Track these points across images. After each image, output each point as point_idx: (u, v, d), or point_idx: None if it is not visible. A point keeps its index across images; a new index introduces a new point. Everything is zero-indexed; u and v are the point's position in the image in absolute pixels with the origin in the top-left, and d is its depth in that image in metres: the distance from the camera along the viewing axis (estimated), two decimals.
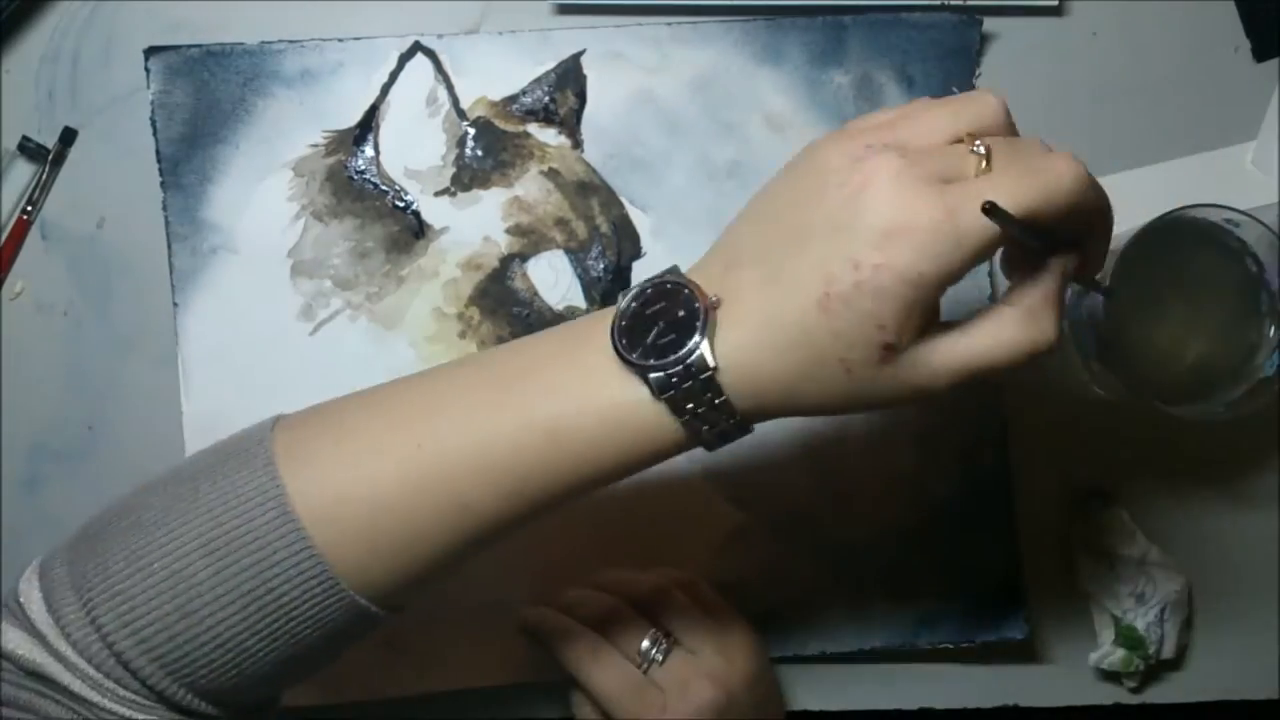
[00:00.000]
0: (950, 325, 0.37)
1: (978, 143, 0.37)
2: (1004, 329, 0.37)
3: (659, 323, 0.37)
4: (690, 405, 0.37)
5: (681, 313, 0.37)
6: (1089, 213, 0.38)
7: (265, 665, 0.37)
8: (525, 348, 0.40)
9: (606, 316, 0.38)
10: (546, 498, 0.38)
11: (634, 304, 0.38)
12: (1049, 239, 0.37)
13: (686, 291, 0.37)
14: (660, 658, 0.48)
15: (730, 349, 0.36)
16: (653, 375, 0.36)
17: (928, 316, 0.36)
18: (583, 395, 0.37)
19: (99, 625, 0.36)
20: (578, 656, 0.48)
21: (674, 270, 0.38)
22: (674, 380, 0.36)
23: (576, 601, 0.50)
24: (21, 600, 0.37)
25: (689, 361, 0.36)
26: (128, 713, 0.36)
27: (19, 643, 0.36)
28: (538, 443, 0.37)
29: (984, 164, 0.36)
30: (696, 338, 0.36)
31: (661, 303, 0.37)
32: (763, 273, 0.37)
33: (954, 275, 0.35)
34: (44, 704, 0.36)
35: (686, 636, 0.49)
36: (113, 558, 0.37)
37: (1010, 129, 0.39)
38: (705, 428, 0.38)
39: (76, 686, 0.36)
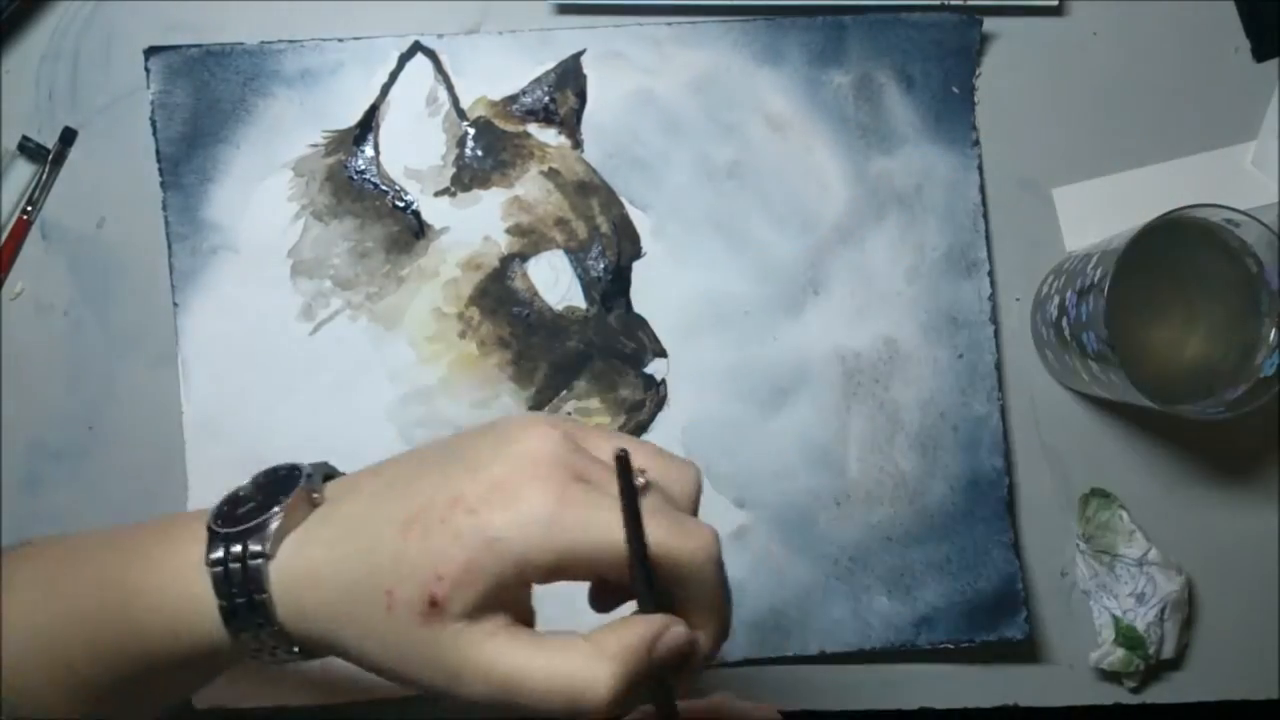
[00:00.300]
0: (521, 635, 0.33)
1: (644, 473, 0.34)
2: (564, 658, 0.32)
3: (255, 501, 0.35)
4: (235, 592, 0.34)
5: (279, 494, 0.35)
6: (706, 594, 0.35)
7: None
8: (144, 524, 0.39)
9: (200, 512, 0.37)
10: (130, 673, 0.36)
11: (249, 483, 0.36)
12: (650, 583, 0.33)
13: (294, 473, 0.36)
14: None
15: (299, 545, 0.34)
16: (216, 538, 0.34)
17: (493, 599, 0.32)
18: (157, 558, 0.36)
19: None
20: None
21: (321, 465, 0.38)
22: (230, 552, 0.34)
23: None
24: None
25: (251, 536, 0.34)
26: None
27: None
28: (112, 606, 0.35)
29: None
30: (270, 515, 0.34)
31: (272, 487, 0.36)
32: (381, 483, 0.36)
33: (538, 568, 0.32)
34: None
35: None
36: None
37: (689, 503, 0.37)
38: (244, 626, 0.34)
39: None
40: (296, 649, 0.35)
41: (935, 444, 0.55)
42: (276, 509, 0.34)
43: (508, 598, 0.33)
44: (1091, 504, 0.56)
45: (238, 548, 0.34)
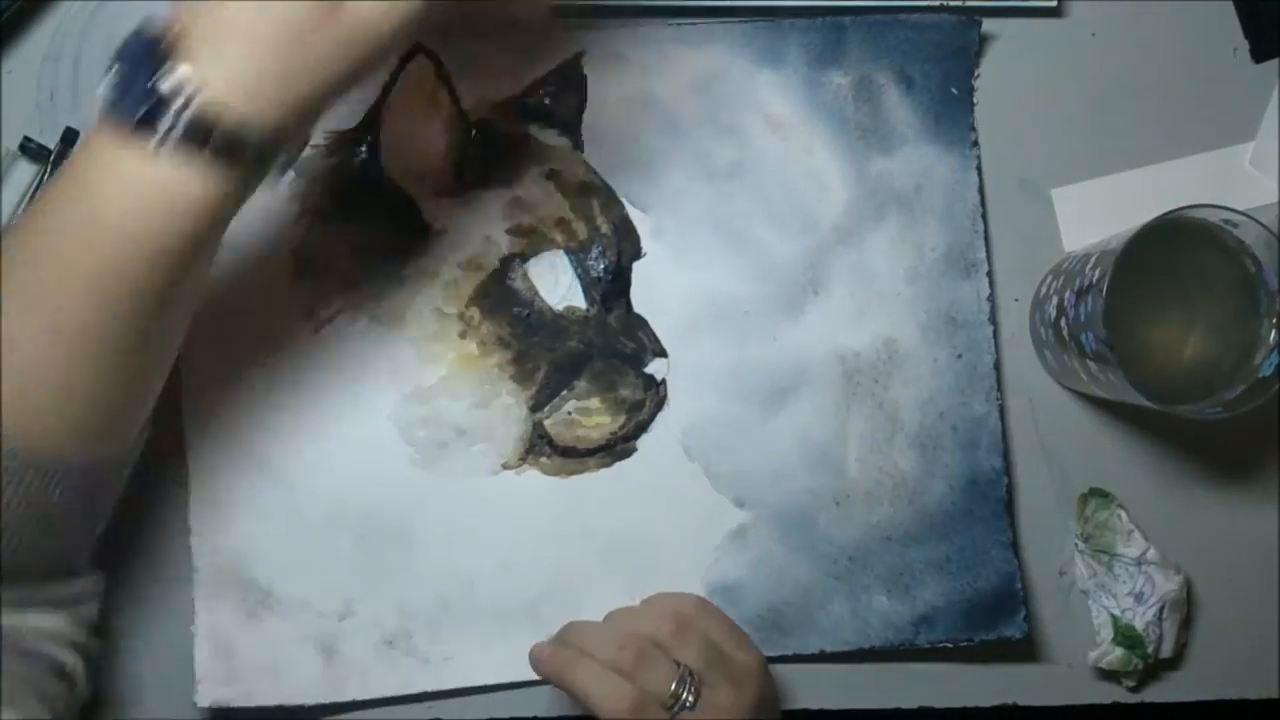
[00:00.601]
0: None
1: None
2: None
3: (137, 77, 0.36)
4: (200, 142, 0.36)
5: (143, 53, 0.37)
6: None
7: None
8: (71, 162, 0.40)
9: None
10: (134, 300, 0.39)
11: (117, 68, 0.37)
12: None
13: (148, 32, 0.37)
14: (690, 699, 0.46)
15: (205, 60, 0.36)
16: (146, 134, 0.36)
17: None
18: (107, 188, 0.37)
19: None
20: (617, 713, 0.45)
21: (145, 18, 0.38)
22: (169, 124, 0.36)
23: (593, 639, 0.48)
24: None
25: (167, 94, 0.36)
26: None
27: None
28: (87, 237, 0.38)
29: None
30: (164, 68, 0.36)
31: (126, 61, 0.37)
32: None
33: None
34: None
35: (706, 673, 0.47)
36: None
37: None
38: (226, 160, 0.37)
39: None
40: (269, 145, 0.38)
41: (934, 444, 0.55)
42: (168, 68, 0.36)
43: None
44: (1090, 503, 0.56)
45: (168, 117, 0.36)
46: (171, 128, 0.36)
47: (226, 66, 0.36)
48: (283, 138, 0.38)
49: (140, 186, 0.37)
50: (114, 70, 0.37)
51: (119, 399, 0.42)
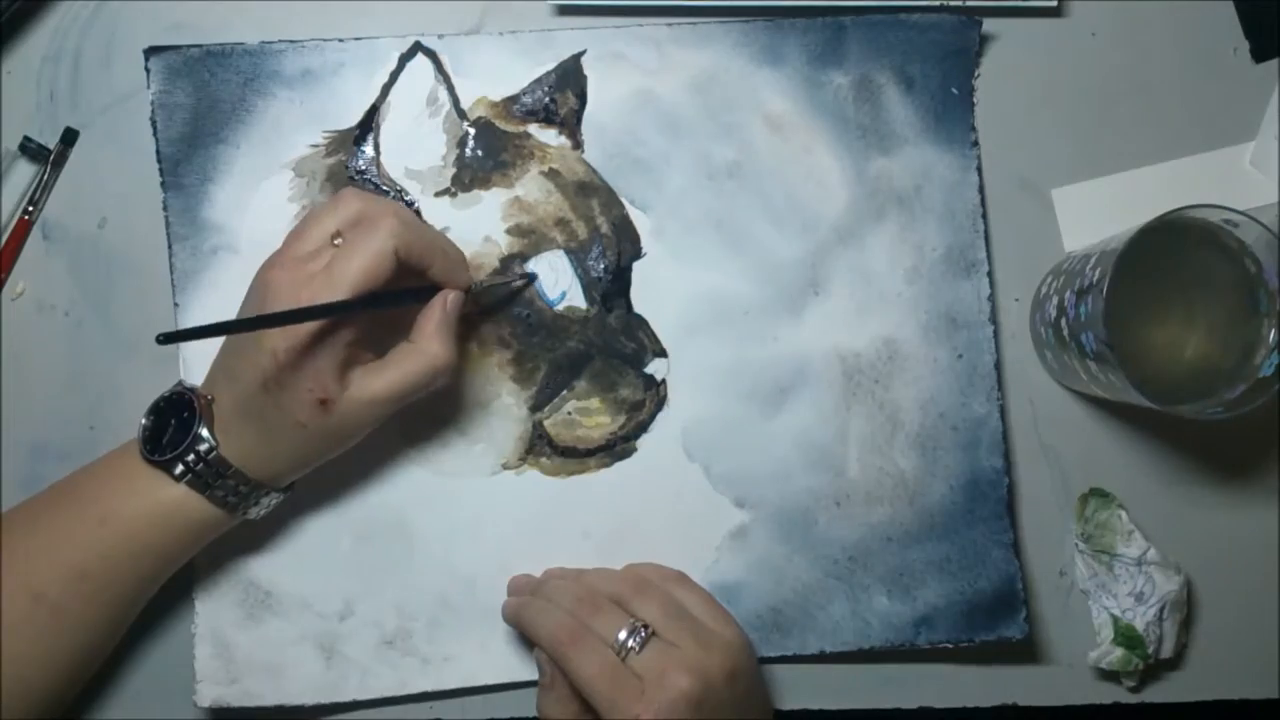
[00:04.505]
0: (371, 367, 0.49)
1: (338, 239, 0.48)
2: (406, 360, 0.49)
3: (170, 425, 0.48)
4: (212, 482, 0.48)
5: (185, 413, 0.48)
6: (437, 262, 0.49)
7: None
8: (92, 466, 0.51)
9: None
10: (116, 587, 0.49)
11: (151, 418, 0.49)
12: (400, 298, 0.49)
13: (187, 396, 0.49)
14: (637, 647, 0.48)
15: (226, 429, 0.48)
16: (173, 466, 0.48)
17: (344, 367, 0.48)
18: (126, 492, 0.48)
19: None
20: (558, 641, 0.48)
21: (180, 383, 0.51)
22: (191, 464, 0.48)
23: (557, 591, 0.51)
24: None
25: (197, 448, 0.48)
26: None
27: None
28: (95, 530, 0.48)
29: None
30: (196, 428, 0.48)
31: (171, 411, 0.49)
32: (225, 372, 0.49)
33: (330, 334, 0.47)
34: None
35: (667, 629, 0.49)
36: None
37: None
38: (232, 498, 0.49)
39: None
40: (266, 493, 0.50)
41: (935, 444, 0.55)
42: (196, 426, 0.48)
43: (348, 353, 0.47)
44: (1090, 504, 0.56)
45: (191, 458, 0.48)
46: (191, 468, 0.48)
47: (238, 439, 0.48)
48: (275, 485, 0.50)
49: (155, 502, 0.48)
50: (155, 411, 0.49)
51: (76, 673, 0.50)
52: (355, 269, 0.46)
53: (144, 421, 0.49)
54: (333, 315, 0.46)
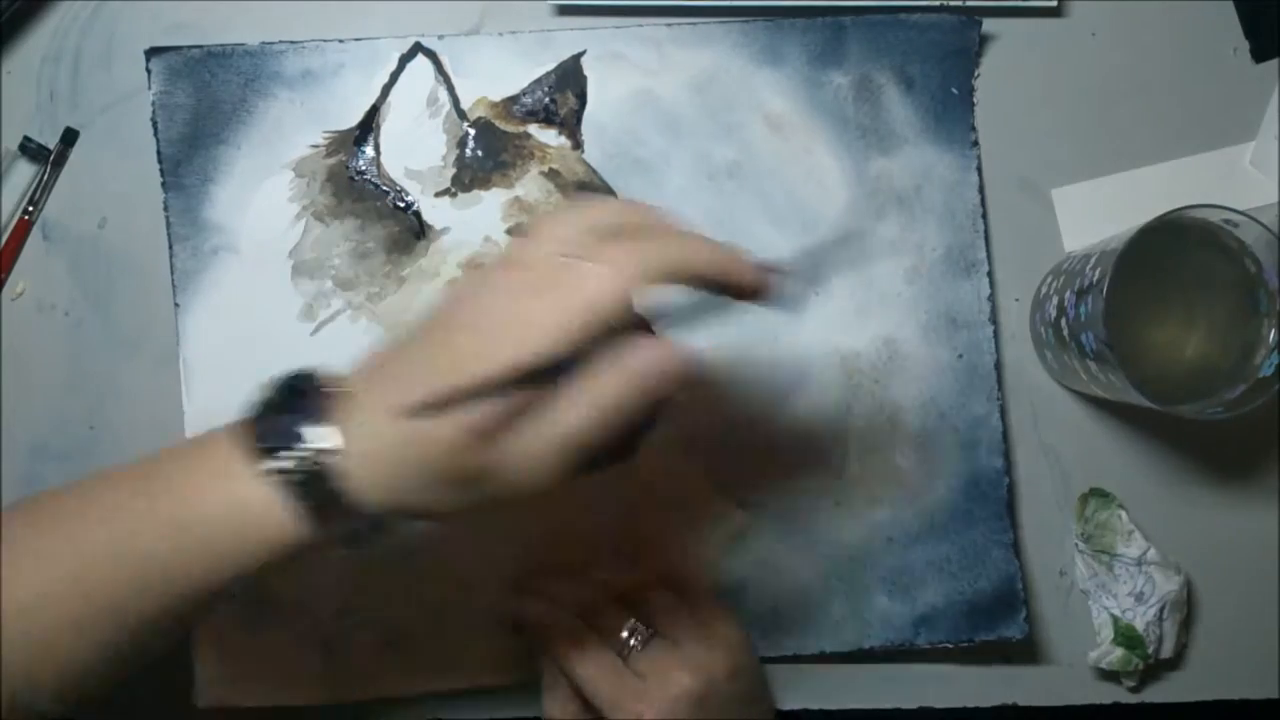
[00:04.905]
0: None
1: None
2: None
3: (289, 414, 0.37)
4: (311, 494, 0.37)
5: (310, 402, 0.38)
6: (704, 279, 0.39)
7: None
8: (168, 448, 0.41)
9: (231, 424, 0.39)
10: (186, 595, 0.39)
11: (268, 394, 0.39)
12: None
13: (317, 382, 0.38)
14: (639, 645, 0.48)
15: (359, 435, 0.37)
16: (273, 460, 0.37)
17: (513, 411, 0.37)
18: (205, 485, 0.38)
19: None
20: (560, 643, 0.48)
21: (308, 370, 0.39)
22: (295, 465, 0.37)
23: (558, 593, 0.51)
24: None
25: (311, 445, 0.37)
26: None
27: None
28: (166, 536, 0.38)
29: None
30: (320, 424, 0.37)
31: (295, 395, 0.38)
32: (386, 372, 0.38)
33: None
34: None
35: (668, 629, 0.49)
36: None
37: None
38: (330, 523, 0.38)
39: None
40: (371, 525, 0.38)
41: (935, 444, 0.55)
42: (319, 416, 0.37)
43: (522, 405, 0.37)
44: (1090, 504, 0.56)
45: (303, 454, 0.37)
46: (290, 469, 0.37)
47: (372, 463, 0.37)
48: (375, 526, 0.39)
49: (237, 502, 0.37)
50: (271, 388, 0.39)
51: (109, 677, 0.41)
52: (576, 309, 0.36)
53: (255, 397, 0.39)
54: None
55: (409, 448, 0.36)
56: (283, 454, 0.37)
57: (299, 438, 0.37)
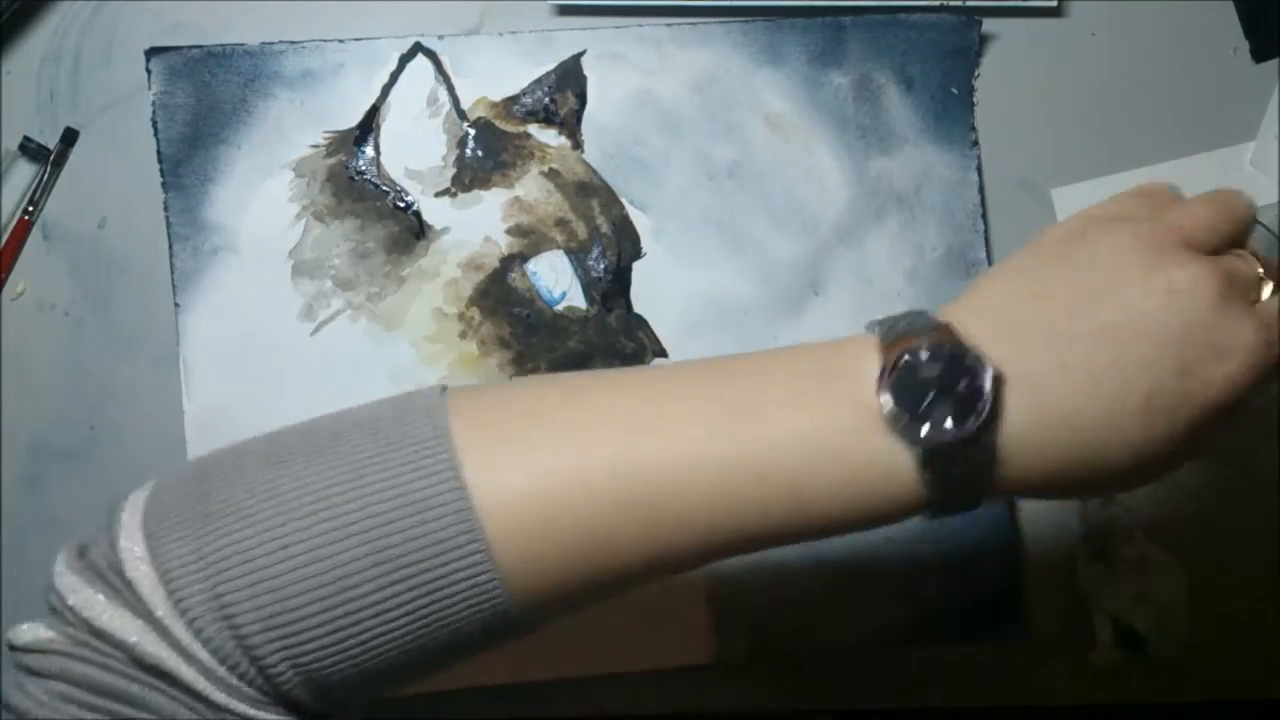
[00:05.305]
0: None
1: (1249, 255, 0.37)
2: None
3: (934, 390, 0.32)
4: (951, 490, 0.33)
5: (963, 386, 0.33)
6: None
7: (399, 669, 0.34)
8: (759, 367, 0.35)
9: (860, 353, 0.34)
10: (745, 541, 0.35)
11: (907, 357, 0.33)
12: None
13: (971, 363, 0.33)
14: None
15: (1016, 441, 0.33)
16: (929, 454, 0.32)
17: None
18: (828, 448, 0.33)
19: (230, 616, 0.31)
20: None
21: (935, 324, 0.34)
22: (947, 465, 0.33)
23: None
24: (128, 575, 0.32)
25: (972, 452, 0.33)
26: (252, 712, 0.32)
27: (131, 630, 0.31)
28: (756, 484, 0.33)
29: (1265, 281, 0.36)
30: (984, 422, 0.32)
31: (939, 365, 0.33)
32: (1060, 359, 0.33)
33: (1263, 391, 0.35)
34: (161, 701, 0.31)
35: None
36: (246, 533, 0.31)
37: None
38: (950, 505, 0.34)
39: (200, 685, 0.31)
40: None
41: None
42: (983, 419, 0.32)
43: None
44: (1091, 504, 0.56)
45: (957, 468, 0.33)
46: (948, 473, 0.33)
47: (1021, 447, 0.33)
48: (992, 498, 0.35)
49: (869, 480, 0.33)
50: (933, 398, 0.32)
51: (606, 591, 0.35)
52: None
53: (891, 358, 0.33)
54: None
55: (1086, 451, 0.34)
56: (939, 450, 0.32)
57: (958, 434, 0.32)
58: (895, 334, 0.34)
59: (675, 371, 0.36)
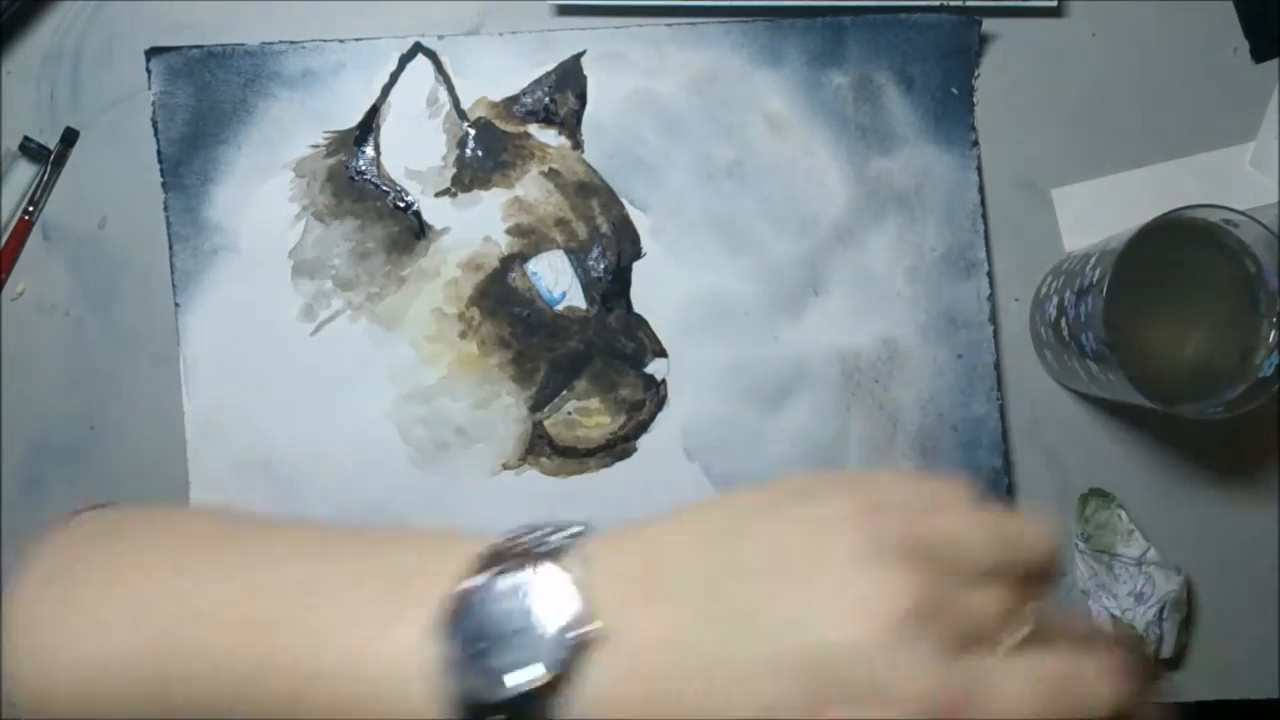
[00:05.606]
0: None
1: (1024, 612, 0.28)
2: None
3: (507, 631, 0.28)
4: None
5: (540, 634, 0.27)
6: None
7: None
8: (353, 554, 0.32)
9: (450, 566, 0.29)
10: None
11: (481, 591, 0.28)
12: None
13: (556, 610, 0.28)
14: None
15: (593, 704, 0.27)
16: (470, 706, 0.27)
17: None
18: (363, 673, 0.29)
19: None
20: None
21: (551, 552, 0.29)
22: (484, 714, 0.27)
23: None
24: None
25: (528, 710, 0.27)
26: None
27: None
28: (284, 692, 0.30)
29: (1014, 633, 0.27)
30: (543, 669, 0.27)
31: (518, 604, 0.28)
32: (681, 637, 0.27)
33: None
34: None
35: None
36: None
37: (1050, 579, 0.29)
38: None
39: None
40: None
41: (935, 444, 0.55)
42: (544, 667, 0.27)
43: None
44: (1090, 504, 0.56)
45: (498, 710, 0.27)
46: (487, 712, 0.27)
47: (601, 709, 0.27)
48: None
49: (397, 680, 0.28)
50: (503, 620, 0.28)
51: None
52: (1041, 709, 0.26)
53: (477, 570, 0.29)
54: None
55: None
56: (472, 675, 0.27)
57: (506, 671, 0.27)
58: (499, 555, 0.29)
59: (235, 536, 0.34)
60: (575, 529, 0.30)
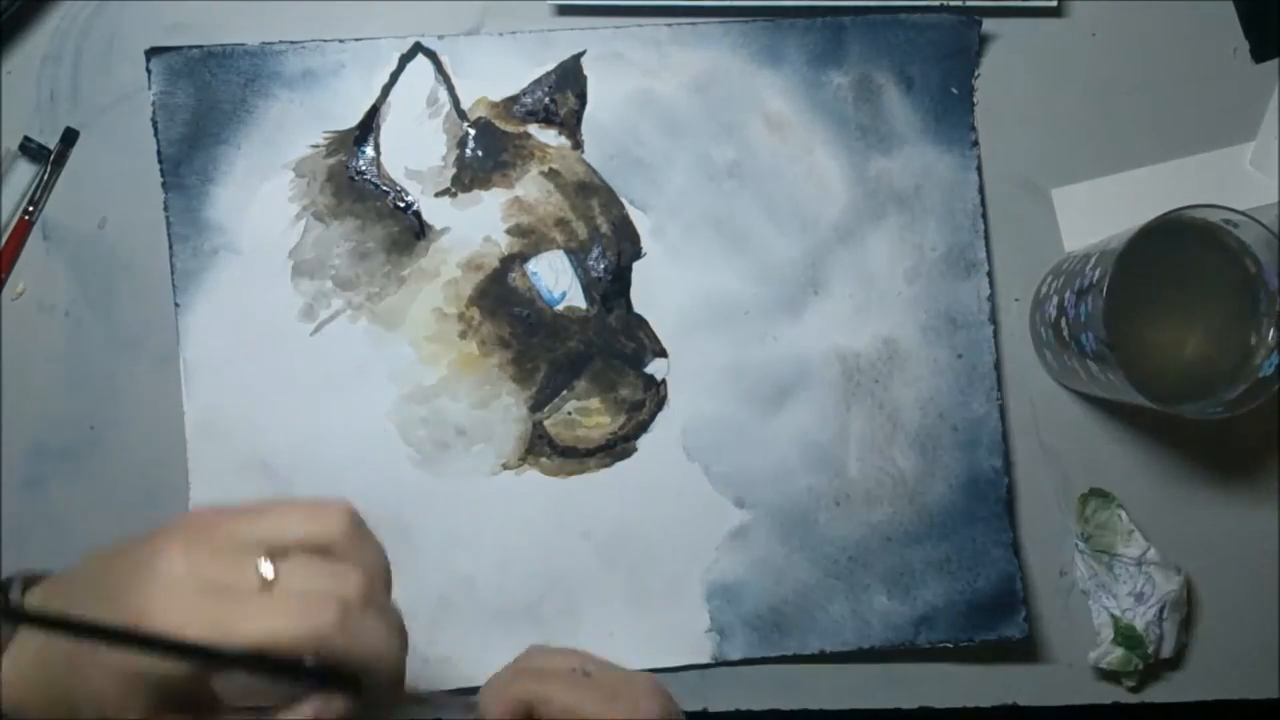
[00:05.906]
0: None
1: (265, 562, 0.35)
2: None
3: None
4: None
5: None
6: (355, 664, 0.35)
7: None
8: None
9: None
10: None
11: None
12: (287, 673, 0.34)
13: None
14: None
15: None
16: None
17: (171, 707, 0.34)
18: None
19: None
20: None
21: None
22: None
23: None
24: None
25: None
26: None
27: None
28: None
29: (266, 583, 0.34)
30: None
31: None
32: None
33: (164, 684, 0.33)
34: None
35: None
36: None
37: (347, 540, 0.38)
38: None
39: None
40: None
41: (935, 444, 0.55)
42: None
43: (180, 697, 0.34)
44: (1090, 503, 0.56)
45: None
46: None
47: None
48: None
49: None
50: None
51: None
52: (286, 628, 0.33)
53: None
54: (214, 665, 0.33)
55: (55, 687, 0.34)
56: None
57: None
58: None
59: None
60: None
